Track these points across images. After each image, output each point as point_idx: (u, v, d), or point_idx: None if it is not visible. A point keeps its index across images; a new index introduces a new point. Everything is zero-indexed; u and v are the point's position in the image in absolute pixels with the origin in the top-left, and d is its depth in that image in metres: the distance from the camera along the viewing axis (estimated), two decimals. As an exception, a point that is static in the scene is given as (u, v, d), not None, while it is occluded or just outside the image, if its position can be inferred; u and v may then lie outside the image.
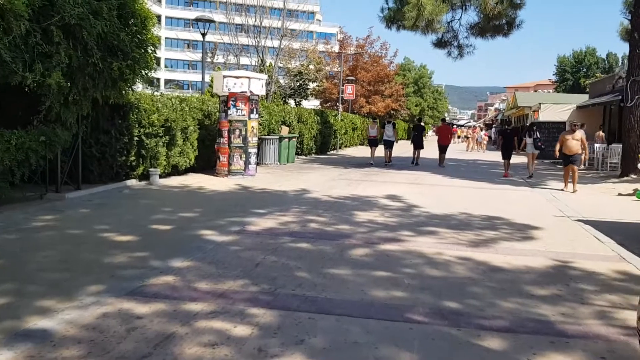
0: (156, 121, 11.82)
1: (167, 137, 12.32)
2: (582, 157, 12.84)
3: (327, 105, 38.87)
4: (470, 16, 19.12)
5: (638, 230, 8.35)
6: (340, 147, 30.05)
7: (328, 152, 26.90)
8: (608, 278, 5.53)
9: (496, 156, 25.44)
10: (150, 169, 11.88)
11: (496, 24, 17.64)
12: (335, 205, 9.85)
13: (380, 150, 21.21)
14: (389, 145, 20.30)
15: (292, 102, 28.84)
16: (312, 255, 6.12)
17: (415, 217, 8.87)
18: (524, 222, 8.76)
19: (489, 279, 5.37)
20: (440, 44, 18.83)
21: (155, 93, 12.99)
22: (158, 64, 16.50)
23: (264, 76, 15.26)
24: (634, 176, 15.97)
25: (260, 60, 27.16)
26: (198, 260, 5.72)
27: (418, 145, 20.89)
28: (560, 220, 9.12)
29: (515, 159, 22.30)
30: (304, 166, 18.37)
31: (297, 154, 22.45)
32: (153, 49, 10.44)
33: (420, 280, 5.28)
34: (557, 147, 12.86)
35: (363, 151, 30.61)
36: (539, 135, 17.13)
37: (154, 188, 11.36)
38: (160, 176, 12.25)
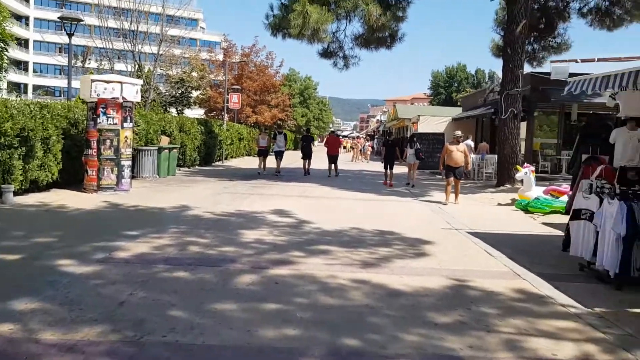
0: (10, 130, 10.24)
1: (23, 148, 10.74)
2: (464, 169, 13.16)
3: (212, 114, 37.62)
4: (355, 27, 19.52)
5: (524, 242, 8.44)
6: (226, 158, 29.01)
7: (213, 164, 25.78)
8: (507, 298, 5.30)
9: (380, 166, 25.77)
10: (2, 186, 10.26)
11: (380, 35, 17.81)
12: (219, 224, 9.02)
13: (270, 161, 20.66)
14: (279, 155, 20.40)
15: (173, 110, 27.34)
16: (190, 286, 5.30)
17: (305, 235, 8.31)
18: (415, 236, 8.54)
19: (388, 306, 4.89)
20: (326, 54, 18.66)
21: (12, 98, 11.33)
22: (16, 64, 14.56)
23: (139, 81, 14.03)
24: (508, 186, 16.76)
25: (137, 66, 25.45)
26: (48, 301, 4.68)
27: (307, 155, 21.03)
28: (450, 233, 9.03)
29: (397, 169, 22.76)
30: (185, 179, 17.23)
31: (179, 165, 21.15)
32: (4, 46, 8.98)
33: (314, 312, 4.68)
34: (441, 158, 12.73)
35: (250, 162, 29.82)
36: (419, 146, 18.04)
37: (5, 207, 9.78)
38: (16, 193, 10.64)
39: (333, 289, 5.38)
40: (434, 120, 32.20)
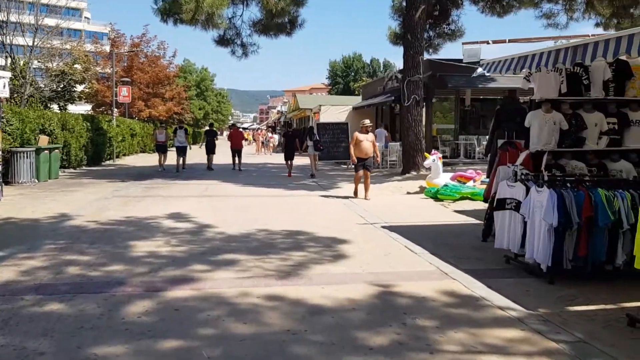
0: None
1: None
2: (374, 160, 12.65)
3: (101, 110, 34.79)
4: (253, 12, 18.57)
5: (442, 234, 8.06)
6: (118, 156, 26.88)
7: (103, 163, 23.70)
8: (441, 304, 4.75)
9: (283, 158, 25.13)
10: None
11: (279, 21, 16.96)
12: (106, 235, 7.81)
13: (171, 158, 20.01)
14: (182, 151, 19.81)
15: (55, 107, 24.78)
16: (66, 324, 4.22)
17: (209, 242, 7.36)
18: (330, 234, 7.88)
19: (312, 329, 4.14)
20: (223, 41, 17.48)
21: None
22: None
23: (6, 74, 12.20)
24: (414, 173, 16.67)
25: (10, 59, 22.70)
26: None
27: (211, 150, 20.82)
28: (365, 229, 8.47)
29: (301, 160, 22.23)
30: (70, 182, 15.44)
31: (63, 167, 19.10)
32: None
33: (224, 346, 3.82)
34: (352, 149, 11.49)
35: (145, 159, 27.92)
36: (318, 138, 18.57)
37: None
38: None
39: (246, 311, 4.54)
40: (336, 110, 31.98)
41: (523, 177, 5.95)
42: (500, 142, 7.56)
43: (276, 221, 9.02)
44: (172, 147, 21.16)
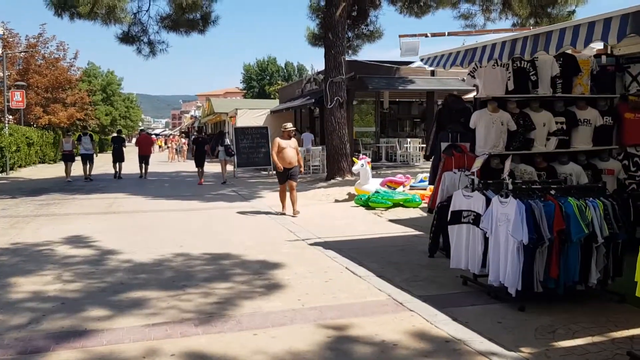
0: None
1: None
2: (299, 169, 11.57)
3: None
4: (161, 7, 17.22)
5: (385, 250, 7.20)
6: (12, 168, 24.17)
7: (-7, 176, 21.12)
8: (411, 353, 3.83)
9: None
10: None
11: (191, 17, 15.57)
12: (-20, 271, 6.29)
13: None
14: (88, 159, 18.89)
15: None
16: None
17: (111, 275, 6.06)
18: (258, 257, 6.83)
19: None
20: (127, 38, 15.82)
21: None
22: None
23: None
24: (339, 178, 15.90)
25: None
26: None
27: (119, 157, 19.97)
28: (297, 247, 7.48)
29: (215, 167, 21.03)
30: (-53, 201, 13.26)
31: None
32: None
33: None
34: (274, 157, 9.88)
35: (45, 171, 25.35)
36: (229, 142, 18.22)
37: None
38: None
39: (156, 381, 3.40)
40: (253, 114, 30.77)
41: (481, 185, 5.19)
42: (444, 145, 6.83)
43: (194, 242, 7.83)
44: (78, 155, 19.82)
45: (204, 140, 19.06)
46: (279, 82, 73.53)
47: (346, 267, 6.22)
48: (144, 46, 16.16)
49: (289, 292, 5.30)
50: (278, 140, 10.16)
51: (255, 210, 11.07)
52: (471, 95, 9.77)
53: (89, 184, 17.50)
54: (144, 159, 20.27)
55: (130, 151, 26.92)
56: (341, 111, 16.11)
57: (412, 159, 21.42)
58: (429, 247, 6.75)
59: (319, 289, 5.43)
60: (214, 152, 18.09)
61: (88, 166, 18.81)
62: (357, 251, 7.02)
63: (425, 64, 6.40)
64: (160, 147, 52.36)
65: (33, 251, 7.32)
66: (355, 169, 12.01)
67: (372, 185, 11.89)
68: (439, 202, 6.54)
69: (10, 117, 32.34)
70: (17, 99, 24.91)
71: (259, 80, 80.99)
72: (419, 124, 26.15)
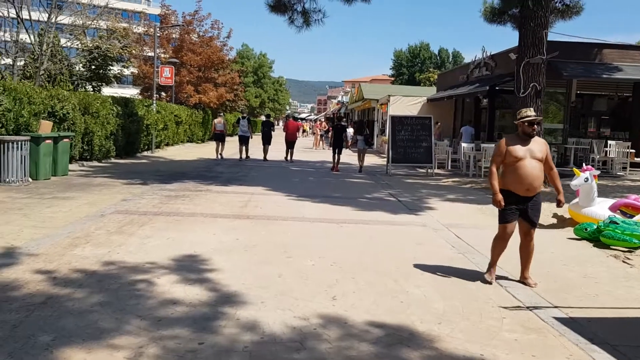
0: None
1: None
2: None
3: (148, 94, 31.91)
4: None
5: None
6: (159, 147, 23.68)
7: (138, 154, 20.44)
8: None
9: (349, 157, 21.20)
10: None
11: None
12: (29, 322, 4.02)
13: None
14: (245, 141, 20.27)
15: (90, 88, 21.69)
16: None
17: (223, 355, 3.45)
18: (467, 346, 3.85)
19: None
20: (279, 6, 13.55)
21: None
22: None
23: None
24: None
25: (38, 36, 19.55)
26: None
27: (267, 140, 21.11)
28: (529, 329, 4.34)
29: (372, 159, 18.63)
30: (76, 183, 11.97)
31: (85, 159, 15.91)
32: None
33: None
34: (493, 176, 5.40)
35: (191, 151, 24.63)
36: (368, 132, 19.02)
37: None
38: None
39: None
40: (407, 101, 27.63)
41: None
42: None
43: (352, 290, 5.06)
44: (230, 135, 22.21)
45: (343, 128, 18.79)
46: (431, 69, 69.27)
47: None
48: (297, 16, 13.76)
49: None
50: (505, 142, 5.43)
51: (430, 234, 8.04)
52: None
53: (226, 173, 15.74)
54: (290, 143, 20.84)
55: (278, 134, 25.52)
56: (537, 102, 12.45)
57: (615, 167, 16.88)
58: None
59: None
60: (351, 141, 18.50)
61: (244, 147, 20.22)
62: (628, 340, 3.72)
63: None
64: (304, 131, 51.34)
65: (124, 283, 5.02)
66: (575, 183, 8.40)
67: (599, 208, 8.26)
68: None
69: (163, 94, 32.62)
70: (166, 75, 24.33)
71: (409, 67, 77.27)
72: (610, 121, 21.21)
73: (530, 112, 5.46)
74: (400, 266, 6.08)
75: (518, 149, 5.33)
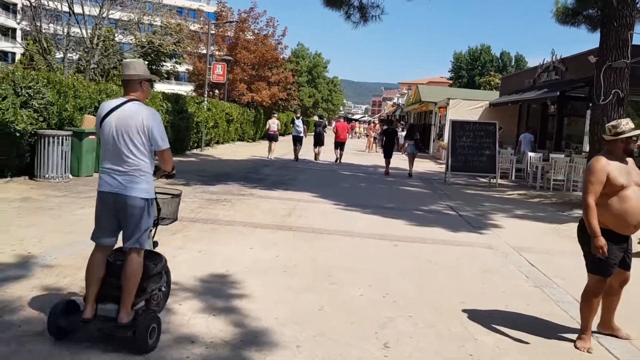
0: None
1: None
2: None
3: (202, 91, 31.79)
4: None
5: None
6: (209, 144, 23.29)
7: (187, 152, 20.06)
8: None
9: (402, 163, 20.12)
10: None
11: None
12: (39, 345, 3.33)
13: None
14: (298, 141, 20.29)
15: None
16: None
17: None
18: None
19: None
20: (334, 0, 12.67)
21: None
22: None
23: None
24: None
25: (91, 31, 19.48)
26: None
27: (319, 142, 21.17)
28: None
29: (427, 165, 17.64)
30: (119, 180, 11.52)
31: (132, 155, 15.50)
32: None
33: None
34: (592, 212, 4.05)
35: (241, 150, 24.14)
36: (418, 137, 18.78)
37: None
38: None
39: None
40: (467, 105, 26.28)
41: None
42: None
43: (406, 334, 4.14)
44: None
45: (394, 132, 18.82)
46: (492, 72, 66.84)
47: None
48: (354, 11, 12.83)
49: None
50: (603, 162, 4.17)
51: (498, 259, 6.96)
52: None
53: (275, 173, 15.04)
54: (339, 145, 20.76)
55: (329, 135, 24.92)
56: (619, 110, 11.04)
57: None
58: None
59: None
60: (403, 145, 18.26)
61: (298, 147, 20.17)
62: None
63: None
64: (355, 132, 50.39)
65: (139, 309, 4.27)
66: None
67: None
68: None
69: (217, 91, 32.39)
70: (218, 72, 23.94)
71: (469, 70, 74.94)
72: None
73: (631, 124, 4.26)
74: (466, 301, 5.09)
75: (620, 174, 4.12)
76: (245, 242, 6.75)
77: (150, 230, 3.90)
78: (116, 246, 3.88)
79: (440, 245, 7.43)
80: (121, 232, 3.76)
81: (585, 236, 4.19)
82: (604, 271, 4.15)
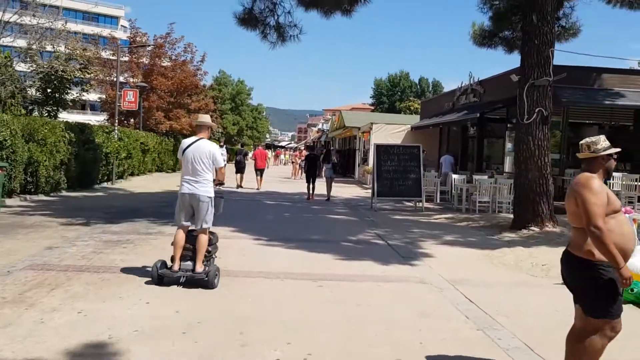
0: None
1: None
2: None
3: (114, 120, 29.92)
4: None
5: None
6: (122, 177, 21.63)
7: (96, 186, 18.38)
8: None
9: (335, 189, 19.42)
10: None
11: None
12: None
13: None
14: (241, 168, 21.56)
15: (44, 113, 19.66)
16: None
17: None
18: None
19: None
20: (249, 20, 11.87)
21: None
22: None
23: None
24: (535, 229, 10.62)
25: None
26: None
27: (240, 169, 21.51)
28: None
29: (353, 190, 17.03)
30: (2, 223, 9.96)
31: (29, 192, 13.89)
32: None
33: None
34: (609, 238, 3.32)
35: (158, 181, 22.63)
36: (336, 160, 20.11)
37: None
38: None
39: None
40: (390, 129, 26.21)
41: None
42: None
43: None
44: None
45: (316, 157, 18.95)
46: (411, 98, 68.57)
47: None
48: (271, 30, 12.09)
49: None
50: (599, 185, 3.53)
51: (434, 297, 6.25)
52: None
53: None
54: (259, 171, 21.32)
55: (250, 163, 24.18)
56: (544, 129, 10.90)
57: (621, 201, 15.41)
58: None
59: None
60: (321, 170, 18.65)
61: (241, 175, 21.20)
62: None
63: None
64: (281, 159, 49.96)
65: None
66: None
67: (642, 261, 6.59)
68: None
69: (132, 120, 30.68)
70: (130, 99, 22.49)
71: (389, 96, 76.65)
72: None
73: (607, 141, 3.68)
74: (402, 356, 4.27)
75: (613, 196, 3.51)
76: (142, 295, 5.64)
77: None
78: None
79: (369, 283, 6.63)
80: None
81: (588, 270, 3.44)
82: (618, 309, 3.43)
